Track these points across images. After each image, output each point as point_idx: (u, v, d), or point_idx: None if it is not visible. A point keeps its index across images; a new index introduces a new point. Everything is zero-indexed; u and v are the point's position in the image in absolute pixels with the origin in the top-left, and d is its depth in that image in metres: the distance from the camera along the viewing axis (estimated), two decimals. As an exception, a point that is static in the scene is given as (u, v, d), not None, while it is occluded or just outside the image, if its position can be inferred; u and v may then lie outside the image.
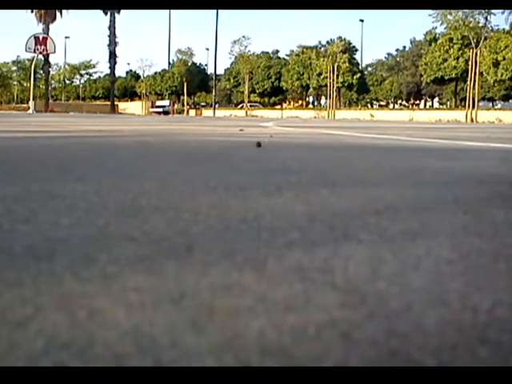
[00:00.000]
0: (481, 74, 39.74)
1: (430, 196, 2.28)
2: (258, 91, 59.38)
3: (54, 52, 42.50)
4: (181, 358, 0.75)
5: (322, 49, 57.32)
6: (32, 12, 47.88)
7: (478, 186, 2.73)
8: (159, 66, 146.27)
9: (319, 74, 52.12)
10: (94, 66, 75.46)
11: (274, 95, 61.04)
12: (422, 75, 50.20)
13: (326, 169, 3.35)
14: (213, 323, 0.87)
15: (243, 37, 54.12)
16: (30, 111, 37.70)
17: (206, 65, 66.05)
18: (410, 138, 8.23)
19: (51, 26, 47.49)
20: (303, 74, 54.31)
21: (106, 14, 52.95)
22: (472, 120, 37.74)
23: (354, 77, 51.94)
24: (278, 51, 63.72)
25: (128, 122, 15.93)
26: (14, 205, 1.87)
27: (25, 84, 68.06)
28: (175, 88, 60.21)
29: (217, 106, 59.77)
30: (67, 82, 76.44)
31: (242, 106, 57.12)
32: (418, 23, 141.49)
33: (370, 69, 70.68)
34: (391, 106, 66.78)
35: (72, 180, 2.60)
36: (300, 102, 63.42)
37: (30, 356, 0.75)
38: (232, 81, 61.89)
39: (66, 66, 75.98)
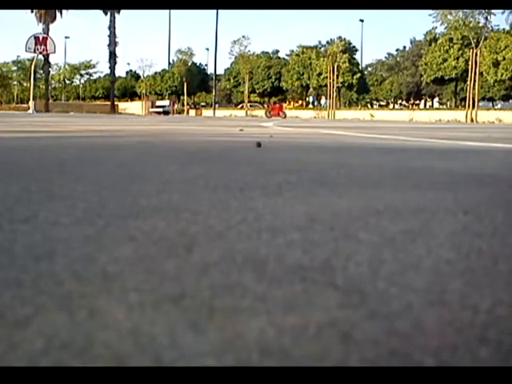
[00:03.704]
0: (481, 73, 39.76)
1: (430, 196, 2.28)
2: (258, 91, 59.38)
3: (54, 52, 42.50)
4: (181, 357, 0.75)
5: (322, 49, 57.34)
6: (32, 12, 47.89)
7: (478, 186, 2.73)
8: (159, 66, 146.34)
9: (319, 74, 52.13)
10: (94, 66, 75.53)
11: (274, 95, 61.03)
12: (422, 75, 50.22)
13: (326, 169, 3.35)
14: (213, 323, 0.87)
15: (243, 37, 54.28)
16: (30, 111, 37.69)
17: (206, 65, 66.18)
18: (410, 138, 8.23)
19: (51, 26, 47.50)
20: (303, 74, 54.32)
21: (106, 14, 52.94)
22: (472, 120, 37.75)
23: (354, 77, 51.95)
24: (278, 51, 63.83)
25: (128, 122, 15.93)
26: (14, 205, 1.87)
27: (25, 84, 68.09)
28: (175, 88, 60.23)
29: (217, 106, 59.76)
30: (67, 82, 76.43)
31: (242, 106, 57.13)
32: (418, 23, 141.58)
33: (369, 69, 70.69)
34: (391, 106, 66.78)
35: (72, 180, 2.60)
36: (300, 101, 63.43)
37: (30, 356, 0.75)
38: (232, 81, 61.89)
39: (66, 66, 75.99)
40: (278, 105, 39.38)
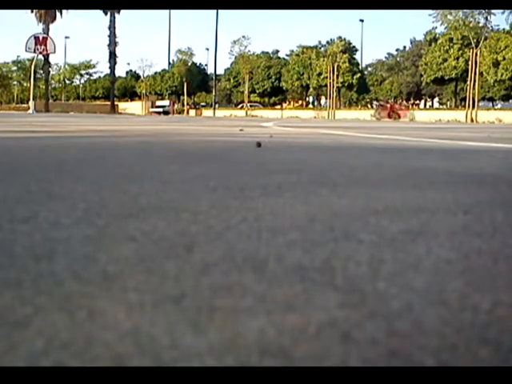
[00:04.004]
0: (481, 73, 39.75)
1: (430, 196, 2.28)
2: (258, 91, 59.33)
3: (54, 52, 42.51)
4: (181, 357, 0.75)
5: (322, 49, 57.31)
6: (32, 12, 47.88)
7: (479, 186, 2.73)
8: (159, 66, 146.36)
9: (319, 74, 52.10)
10: (93, 66, 75.53)
11: (274, 95, 60.99)
12: (422, 75, 50.20)
13: (326, 169, 3.35)
14: (213, 323, 0.87)
15: (243, 37, 54.23)
16: (30, 111, 37.69)
17: (206, 65, 66.11)
18: (410, 138, 8.23)
19: (51, 26, 47.48)
20: (303, 74, 54.28)
21: (106, 14, 52.94)
22: (472, 120, 37.74)
23: (354, 77, 51.91)
24: (278, 51, 63.78)
25: (128, 122, 15.93)
26: (14, 205, 1.87)
27: (25, 84, 68.10)
28: (175, 88, 60.21)
29: (217, 105, 59.74)
30: (67, 82, 76.43)
31: (242, 106, 57.11)
32: (418, 23, 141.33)
33: (369, 69, 70.67)
34: (391, 106, 66.70)
35: (72, 180, 2.60)
36: (300, 101, 63.40)
37: (30, 356, 0.75)
38: (232, 81, 61.85)
39: (66, 66, 75.99)
40: (389, 104, 35.20)
